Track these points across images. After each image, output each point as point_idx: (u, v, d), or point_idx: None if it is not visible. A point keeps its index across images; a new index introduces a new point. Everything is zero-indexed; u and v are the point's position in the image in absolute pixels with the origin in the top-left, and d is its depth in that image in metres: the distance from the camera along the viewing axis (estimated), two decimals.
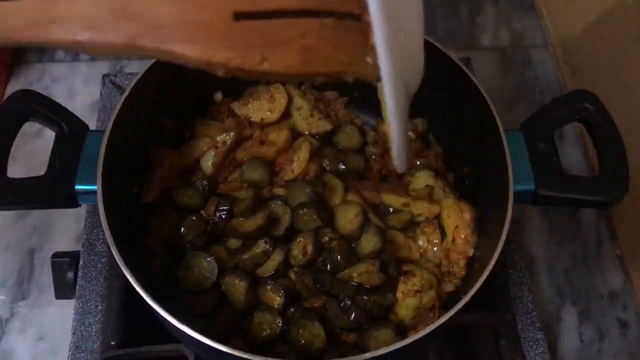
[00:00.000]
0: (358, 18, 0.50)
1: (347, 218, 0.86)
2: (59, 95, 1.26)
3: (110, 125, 0.78)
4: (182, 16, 0.48)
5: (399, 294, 0.81)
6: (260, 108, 0.96)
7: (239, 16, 0.48)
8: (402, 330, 0.80)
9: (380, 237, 0.83)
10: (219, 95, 0.99)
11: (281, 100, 0.96)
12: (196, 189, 0.90)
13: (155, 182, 0.88)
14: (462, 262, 0.83)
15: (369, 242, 0.84)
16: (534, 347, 0.91)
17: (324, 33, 0.46)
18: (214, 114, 0.98)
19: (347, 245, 0.83)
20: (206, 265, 0.83)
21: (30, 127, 1.16)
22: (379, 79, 0.53)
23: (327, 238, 0.83)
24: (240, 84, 1.00)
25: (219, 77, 0.84)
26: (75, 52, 0.53)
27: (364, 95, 1.04)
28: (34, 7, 0.48)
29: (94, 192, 0.74)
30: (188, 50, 0.49)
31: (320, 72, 0.50)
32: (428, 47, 0.86)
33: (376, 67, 0.52)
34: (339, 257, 0.82)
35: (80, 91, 1.27)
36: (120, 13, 0.47)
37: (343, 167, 0.94)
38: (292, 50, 0.48)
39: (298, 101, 0.97)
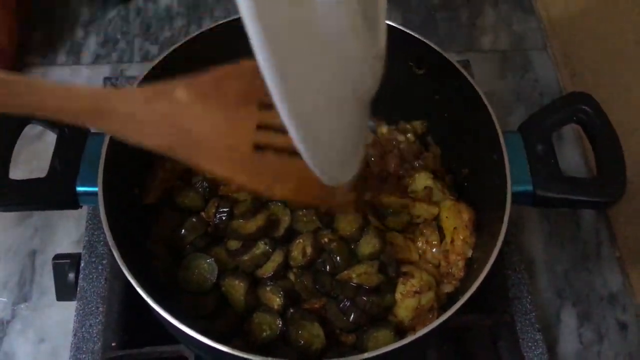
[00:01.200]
0: None
1: (347, 220, 0.87)
2: None
3: None
4: (215, 139, 0.58)
5: (397, 295, 0.81)
6: None
7: (258, 147, 0.58)
8: (401, 331, 0.81)
9: (380, 238, 0.84)
10: None
11: None
12: (197, 190, 0.90)
13: (156, 183, 0.89)
14: (460, 264, 0.83)
15: (369, 244, 0.84)
16: (533, 348, 0.91)
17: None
18: None
19: (346, 247, 0.84)
20: (206, 266, 0.83)
21: (31, 130, 1.17)
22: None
23: (326, 239, 0.84)
24: None
25: None
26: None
27: None
28: (89, 94, 0.56)
29: (95, 194, 0.75)
30: (213, 168, 0.59)
31: (307, 202, 0.65)
32: (427, 49, 0.88)
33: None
34: (338, 258, 0.82)
35: None
36: (169, 122, 0.57)
37: None
38: (290, 183, 0.60)
39: None
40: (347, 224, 0.86)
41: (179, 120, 0.58)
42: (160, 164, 0.90)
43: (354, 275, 0.81)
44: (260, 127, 0.59)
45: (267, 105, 0.52)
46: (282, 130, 0.52)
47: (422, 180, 0.92)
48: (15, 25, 1.35)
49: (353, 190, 0.72)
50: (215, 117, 0.59)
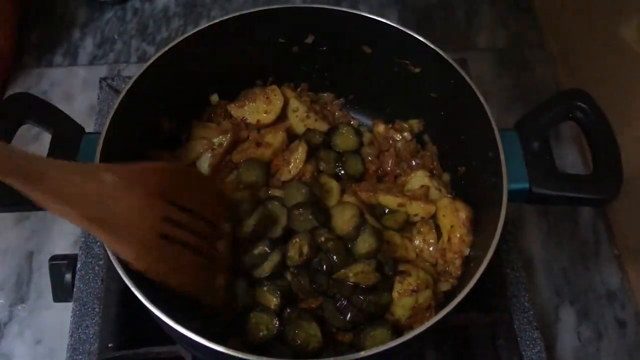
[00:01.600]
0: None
1: (344, 219, 0.86)
2: (57, 100, 1.27)
3: (105, 127, 0.78)
4: (129, 219, 0.69)
5: (395, 294, 0.81)
6: (256, 110, 0.97)
7: (163, 236, 0.72)
8: (398, 330, 0.80)
9: (377, 237, 0.83)
10: (215, 97, 1.00)
11: (277, 102, 0.97)
12: None
13: None
14: (457, 262, 0.83)
15: (365, 243, 0.84)
16: (531, 346, 0.91)
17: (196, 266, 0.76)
18: (211, 116, 0.99)
19: (343, 246, 0.83)
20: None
21: (28, 131, 1.17)
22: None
23: (323, 238, 0.84)
24: (236, 86, 1.00)
25: (214, 79, 0.84)
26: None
27: (359, 96, 1.04)
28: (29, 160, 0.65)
29: None
30: (121, 248, 0.69)
31: (185, 288, 0.75)
32: (423, 47, 0.88)
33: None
34: (335, 257, 0.82)
35: (78, 95, 1.28)
36: (93, 198, 0.67)
37: (342, 171, 0.95)
38: (184, 274, 0.75)
39: (294, 103, 0.98)
40: (343, 223, 0.86)
41: (101, 198, 0.67)
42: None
43: (350, 275, 0.80)
44: (166, 219, 0.72)
45: (174, 203, 0.73)
46: (183, 225, 0.73)
47: (418, 179, 0.92)
48: (14, 26, 1.35)
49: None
50: (132, 201, 0.69)
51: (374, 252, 0.83)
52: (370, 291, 0.80)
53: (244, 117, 0.97)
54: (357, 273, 0.81)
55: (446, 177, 0.96)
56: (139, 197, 0.70)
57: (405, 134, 0.97)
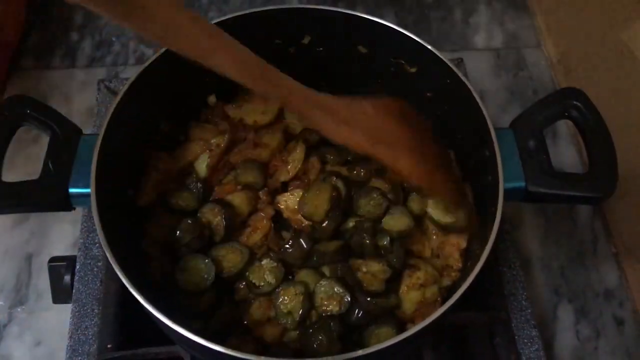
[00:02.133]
0: None
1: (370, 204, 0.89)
2: (55, 102, 1.28)
3: (103, 129, 0.78)
4: (395, 141, 0.80)
5: (403, 287, 0.81)
6: (253, 110, 0.97)
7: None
8: (402, 326, 0.81)
9: (408, 217, 0.86)
10: (212, 99, 1.00)
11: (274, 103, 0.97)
12: (191, 191, 0.90)
13: (150, 185, 0.89)
14: (456, 254, 0.83)
15: (398, 221, 0.85)
16: (529, 344, 0.91)
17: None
18: (208, 117, 0.99)
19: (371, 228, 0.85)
20: (204, 267, 0.83)
21: (27, 133, 1.18)
22: None
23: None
24: (232, 87, 1.00)
25: (212, 80, 0.84)
26: None
27: (357, 93, 1.04)
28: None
29: (87, 195, 0.75)
30: (396, 163, 0.79)
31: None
32: (419, 47, 0.88)
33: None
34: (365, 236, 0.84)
35: (76, 97, 1.29)
36: (360, 124, 0.79)
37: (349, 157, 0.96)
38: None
39: None
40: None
41: (369, 126, 0.78)
42: (153, 165, 0.90)
43: (363, 269, 0.81)
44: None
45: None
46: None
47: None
48: (22, 21, 1.36)
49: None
50: (389, 125, 0.80)
51: (407, 232, 0.85)
52: (379, 294, 0.80)
53: (241, 117, 0.97)
54: (367, 272, 0.81)
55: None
56: (392, 122, 0.79)
57: None
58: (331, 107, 0.77)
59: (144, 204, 0.89)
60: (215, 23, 0.90)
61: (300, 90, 0.76)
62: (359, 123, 0.78)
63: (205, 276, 0.83)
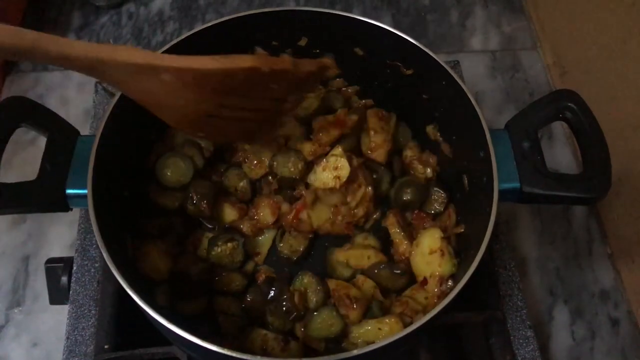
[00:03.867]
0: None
1: None
2: (53, 103, 1.28)
3: (100, 129, 0.79)
4: (180, 109, 0.74)
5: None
6: None
7: (210, 116, 0.76)
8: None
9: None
10: None
11: None
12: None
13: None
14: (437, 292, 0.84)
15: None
16: (524, 344, 0.91)
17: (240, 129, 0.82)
18: None
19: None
20: (183, 164, 0.90)
21: (24, 135, 1.18)
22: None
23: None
24: None
25: None
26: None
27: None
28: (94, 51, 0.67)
29: (84, 196, 0.75)
30: (172, 124, 0.77)
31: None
32: (414, 49, 0.89)
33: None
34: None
35: (73, 99, 1.29)
36: (148, 89, 0.71)
37: None
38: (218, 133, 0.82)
39: None
40: None
41: (156, 91, 0.71)
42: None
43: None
44: (220, 105, 0.75)
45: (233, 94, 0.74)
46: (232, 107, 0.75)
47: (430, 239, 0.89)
48: (20, 18, 1.36)
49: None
50: (187, 96, 0.72)
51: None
52: None
53: None
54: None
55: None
56: (191, 94, 0.72)
57: (428, 170, 0.97)
58: (104, 67, 0.67)
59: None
60: (212, 25, 0.91)
61: (61, 51, 0.65)
62: (140, 85, 0.70)
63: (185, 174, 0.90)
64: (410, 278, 0.87)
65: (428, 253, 0.85)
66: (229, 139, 0.85)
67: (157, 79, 0.69)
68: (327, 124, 0.95)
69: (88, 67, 0.66)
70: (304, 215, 0.90)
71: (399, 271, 0.86)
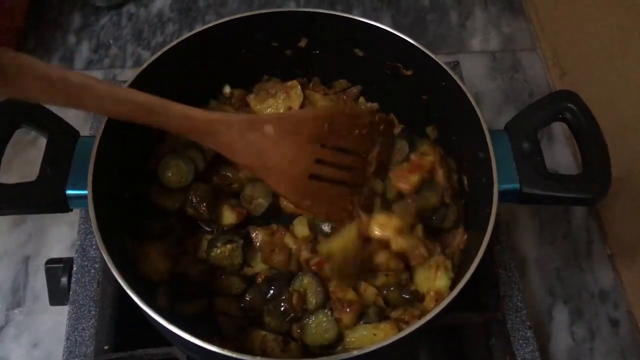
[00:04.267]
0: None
1: None
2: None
3: (100, 130, 0.79)
4: (284, 165, 0.79)
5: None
6: (276, 105, 0.97)
7: (312, 176, 0.81)
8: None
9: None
10: (227, 89, 1.01)
11: (297, 100, 0.97)
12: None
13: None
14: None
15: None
16: (524, 345, 0.91)
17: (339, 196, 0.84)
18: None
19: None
20: (184, 167, 0.90)
21: (25, 136, 1.18)
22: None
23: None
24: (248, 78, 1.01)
25: (209, 83, 0.84)
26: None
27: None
28: (205, 120, 0.76)
29: (84, 197, 0.75)
30: (276, 187, 0.81)
31: (330, 218, 0.86)
32: (414, 50, 0.89)
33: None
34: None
35: None
36: (255, 148, 0.77)
37: None
38: (325, 205, 0.84)
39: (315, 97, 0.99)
40: None
41: (262, 147, 0.77)
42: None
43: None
44: (318, 161, 0.81)
45: (327, 145, 0.81)
46: (334, 165, 0.82)
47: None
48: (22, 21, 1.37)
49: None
50: (289, 151, 0.79)
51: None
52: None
53: (263, 110, 0.97)
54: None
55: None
56: (293, 146, 0.78)
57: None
58: (216, 128, 0.75)
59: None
60: (212, 26, 0.91)
61: (184, 113, 0.73)
62: (248, 144, 0.77)
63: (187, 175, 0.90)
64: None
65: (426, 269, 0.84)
66: (331, 212, 0.85)
67: (262, 133, 0.76)
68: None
69: (203, 130, 0.74)
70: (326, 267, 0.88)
71: (407, 296, 0.84)
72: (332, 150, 0.82)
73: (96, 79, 0.69)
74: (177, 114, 0.72)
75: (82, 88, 0.67)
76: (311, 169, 0.80)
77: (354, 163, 0.85)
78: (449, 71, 0.85)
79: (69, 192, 0.78)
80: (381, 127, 0.88)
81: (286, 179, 0.79)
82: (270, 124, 0.77)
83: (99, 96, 0.68)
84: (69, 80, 0.66)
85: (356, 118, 0.85)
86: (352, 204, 0.85)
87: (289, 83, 0.99)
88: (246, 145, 0.76)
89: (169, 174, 0.90)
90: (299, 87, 0.98)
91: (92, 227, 0.73)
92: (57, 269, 0.97)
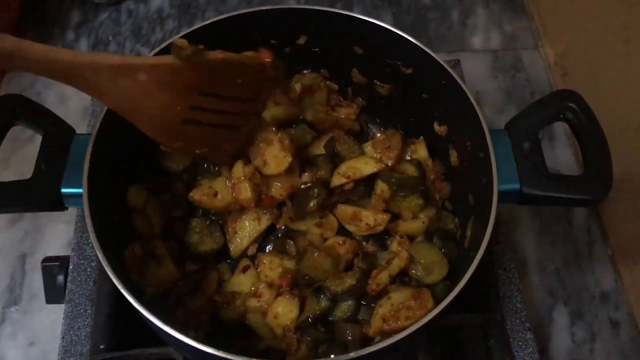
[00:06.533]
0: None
1: None
2: (51, 101, 1.27)
3: (96, 128, 0.78)
4: (156, 112, 0.76)
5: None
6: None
7: (185, 121, 0.78)
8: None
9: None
10: None
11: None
12: None
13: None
14: None
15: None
16: (523, 347, 0.90)
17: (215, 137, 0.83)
18: None
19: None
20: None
21: (22, 133, 1.17)
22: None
23: None
24: None
25: None
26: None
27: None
28: (70, 59, 0.69)
29: (80, 196, 0.74)
30: (146, 130, 0.77)
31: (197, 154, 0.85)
32: (414, 48, 0.88)
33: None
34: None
35: (71, 97, 1.28)
36: (126, 93, 0.73)
37: None
38: (197, 145, 0.84)
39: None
40: None
41: (133, 94, 0.73)
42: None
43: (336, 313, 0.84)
44: (194, 107, 0.78)
45: (206, 92, 0.77)
46: (211, 109, 0.79)
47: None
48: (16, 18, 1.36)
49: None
50: (162, 97, 0.74)
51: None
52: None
53: None
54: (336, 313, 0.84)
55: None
56: (167, 93, 0.75)
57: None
58: (81, 71, 0.69)
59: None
60: (211, 23, 0.90)
61: (47, 56, 0.67)
62: (118, 89, 0.72)
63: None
64: None
65: None
66: (203, 152, 0.84)
67: (134, 79, 0.71)
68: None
69: (68, 73, 0.68)
70: None
71: None
72: (209, 97, 0.79)
73: None
74: (40, 56, 0.66)
75: None
76: (185, 115, 0.78)
77: (234, 108, 0.82)
78: (450, 70, 0.84)
79: (64, 190, 0.78)
80: (268, 73, 0.83)
81: (157, 123, 0.77)
82: (143, 71, 0.72)
83: None
84: None
85: (238, 66, 0.80)
86: (231, 146, 0.85)
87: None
88: (116, 90, 0.72)
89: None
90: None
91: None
92: (54, 267, 0.96)
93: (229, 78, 0.79)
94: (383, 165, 0.93)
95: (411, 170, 0.93)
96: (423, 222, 0.92)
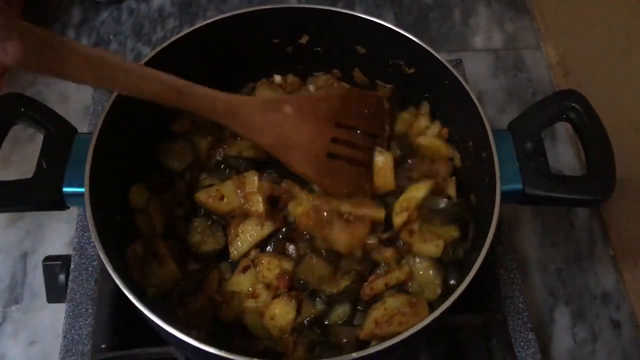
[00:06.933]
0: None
1: None
2: (52, 100, 1.27)
3: (98, 127, 0.78)
4: (303, 144, 0.83)
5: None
6: None
7: (330, 155, 0.86)
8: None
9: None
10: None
11: None
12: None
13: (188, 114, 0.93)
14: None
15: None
16: (526, 347, 0.90)
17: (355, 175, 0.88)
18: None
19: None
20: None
21: (23, 132, 1.17)
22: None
23: None
24: (229, 85, 0.99)
25: (210, 79, 0.84)
26: None
27: None
28: (226, 101, 0.80)
29: (81, 195, 0.74)
30: (296, 166, 0.84)
31: (341, 193, 0.87)
32: (416, 48, 0.88)
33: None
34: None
35: (72, 96, 1.28)
36: (276, 128, 0.81)
37: None
38: (345, 183, 0.87)
39: None
40: None
41: (282, 127, 0.81)
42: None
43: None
44: (334, 140, 0.86)
45: (341, 124, 0.86)
46: (349, 143, 0.87)
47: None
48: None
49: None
50: (308, 129, 0.83)
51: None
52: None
53: None
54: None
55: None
56: (311, 124, 0.83)
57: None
58: (237, 109, 0.79)
59: (177, 129, 0.95)
60: (213, 22, 0.90)
61: (208, 94, 0.77)
62: (268, 124, 0.80)
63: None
64: None
65: None
66: (350, 191, 0.87)
67: (281, 113, 0.81)
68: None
69: (228, 112, 0.78)
70: None
71: None
72: (346, 129, 0.86)
73: (126, 59, 0.73)
74: (201, 95, 0.75)
75: (116, 67, 0.69)
76: (329, 148, 0.84)
77: (367, 142, 0.88)
78: (452, 69, 0.84)
79: (65, 189, 0.77)
80: (386, 106, 0.92)
81: (306, 157, 0.83)
82: (289, 104, 0.81)
83: (132, 74, 0.70)
84: (104, 59, 0.68)
85: (364, 98, 0.91)
86: (367, 183, 0.89)
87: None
88: (267, 125, 0.80)
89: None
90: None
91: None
92: (55, 266, 0.96)
93: (357, 109, 0.88)
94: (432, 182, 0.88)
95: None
96: (437, 246, 0.85)
